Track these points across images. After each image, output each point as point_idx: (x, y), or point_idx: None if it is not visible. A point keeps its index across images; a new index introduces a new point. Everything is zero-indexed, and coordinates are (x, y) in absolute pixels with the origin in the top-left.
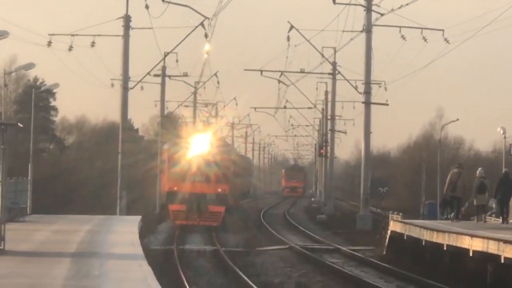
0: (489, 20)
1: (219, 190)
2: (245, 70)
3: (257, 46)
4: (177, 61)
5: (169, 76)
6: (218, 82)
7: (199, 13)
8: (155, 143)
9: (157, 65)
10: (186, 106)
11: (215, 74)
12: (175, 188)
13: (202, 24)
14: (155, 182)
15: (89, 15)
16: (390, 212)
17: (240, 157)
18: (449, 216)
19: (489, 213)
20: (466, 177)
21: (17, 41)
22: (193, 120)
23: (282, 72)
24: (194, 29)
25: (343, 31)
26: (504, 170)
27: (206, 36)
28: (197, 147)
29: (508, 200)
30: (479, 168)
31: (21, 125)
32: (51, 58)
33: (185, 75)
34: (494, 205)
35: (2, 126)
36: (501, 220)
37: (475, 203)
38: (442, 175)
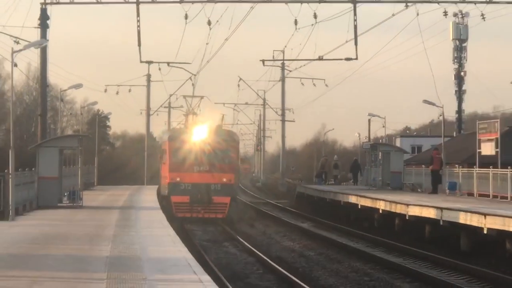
0: (354, 70)
1: (224, 180)
2: (215, 103)
3: (221, 91)
4: (177, 99)
5: (173, 107)
6: (200, 110)
7: (189, 71)
8: None
9: (165, 101)
10: (183, 124)
11: (198, 106)
12: (178, 179)
13: (190, 78)
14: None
15: (127, 73)
16: (297, 180)
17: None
18: (323, 183)
19: (350, 181)
20: (331, 160)
21: (87, 88)
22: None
23: (235, 104)
24: (185, 81)
25: (269, 81)
26: (354, 158)
27: (192, 85)
28: (200, 135)
29: (356, 174)
30: (335, 155)
31: (90, 136)
32: (108, 98)
33: (182, 107)
34: (350, 176)
35: (80, 137)
36: (353, 184)
37: (333, 173)
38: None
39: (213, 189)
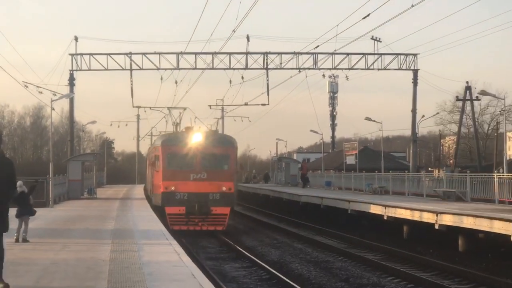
0: (267, 111)
1: (224, 188)
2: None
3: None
4: (156, 130)
5: (154, 135)
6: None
7: (163, 113)
8: None
9: (149, 131)
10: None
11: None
12: (172, 188)
13: (164, 117)
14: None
15: (124, 113)
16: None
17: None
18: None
19: (261, 182)
20: (251, 172)
21: (99, 123)
22: None
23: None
24: (161, 119)
25: (214, 118)
26: (266, 171)
27: (166, 121)
28: (196, 139)
29: (267, 179)
30: (254, 170)
31: (101, 154)
32: (112, 129)
33: (160, 133)
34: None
35: (95, 154)
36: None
37: (253, 181)
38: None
39: (211, 199)
